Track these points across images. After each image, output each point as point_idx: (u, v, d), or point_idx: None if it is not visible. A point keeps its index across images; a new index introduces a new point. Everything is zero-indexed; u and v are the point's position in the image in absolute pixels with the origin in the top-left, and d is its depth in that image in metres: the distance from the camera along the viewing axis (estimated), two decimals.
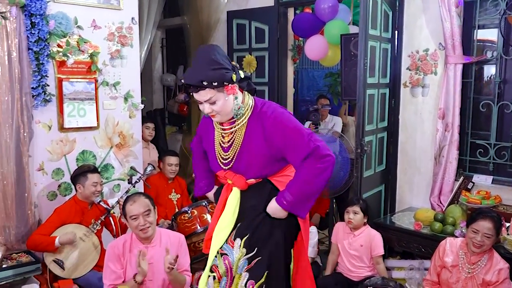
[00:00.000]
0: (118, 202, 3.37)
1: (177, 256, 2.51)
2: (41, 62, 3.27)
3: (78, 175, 3.27)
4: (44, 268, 3.15)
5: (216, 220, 2.20)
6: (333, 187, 3.75)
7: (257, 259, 2.07)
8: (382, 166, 3.94)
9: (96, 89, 3.63)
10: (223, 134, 2.12)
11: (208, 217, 3.65)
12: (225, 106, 1.99)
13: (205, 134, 2.26)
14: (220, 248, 2.11)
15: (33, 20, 3.18)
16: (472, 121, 3.64)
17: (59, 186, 3.53)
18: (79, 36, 3.50)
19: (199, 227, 3.58)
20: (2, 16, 3.08)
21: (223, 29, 5.25)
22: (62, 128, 3.49)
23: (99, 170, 3.47)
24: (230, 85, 1.96)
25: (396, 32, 3.86)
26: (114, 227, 3.39)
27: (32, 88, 3.26)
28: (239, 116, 2.05)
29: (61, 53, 3.41)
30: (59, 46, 3.40)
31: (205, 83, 1.90)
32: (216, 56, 1.93)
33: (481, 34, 3.56)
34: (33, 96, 3.28)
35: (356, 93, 3.48)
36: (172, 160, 4.25)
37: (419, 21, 3.75)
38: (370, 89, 3.55)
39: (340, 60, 4.32)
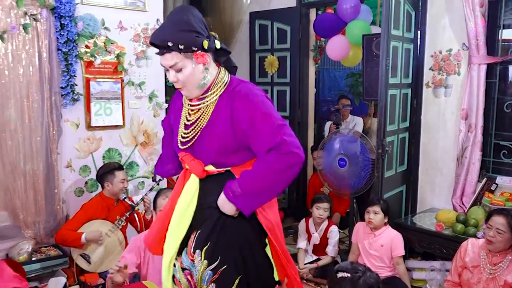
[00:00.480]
0: (142, 199, 3.41)
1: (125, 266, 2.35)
2: (69, 62, 3.34)
3: (106, 173, 3.32)
4: (71, 262, 3.22)
5: (168, 212, 1.89)
6: (354, 187, 3.71)
7: (223, 267, 1.78)
8: (404, 166, 3.88)
9: (122, 88, 3.68)
10: (189, 111, 1.83)
11: None
12: (192, 76, 1.71)
13: (174, 110, 1.97)
14: (176, 259, 1.86)
15: (62, 22, 3.24)
16: (496, 122, 3.55)
17: (86, 182, 3.59)
18: (106, 37, 3.56)
19: None
20: (34, 18, 3.15)
21: (246, 30, 5.26)
22: (89, 127, 3.54)
23: (124, 167, 3.51)
24: (200, 52, 1.68)
25: (419, 32, 3.79)
26: (138, 223, 3.43)
27: (61, 87, 3.33)
28: (207, 94, 1.77)
29: (88, 54, 3.47)
30: (87, 47, 3.46)
31: (170, 44, 1.63)
32: (189, 17, 1.67)
33: (506, 34, 3.47)
34: (62, 95, 3.35)
35: (377, 93, 3.44)
36: None
37: (443, 21, 3.68)
38: (392, 89, 3.50)
39: (361, 60, 4.27)
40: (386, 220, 3.29)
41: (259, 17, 5.08)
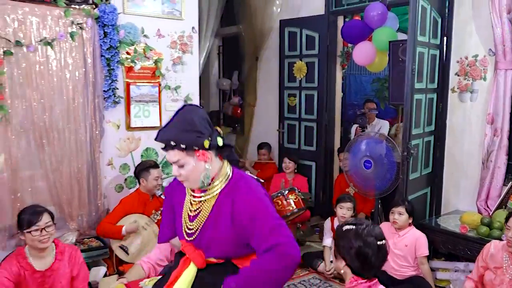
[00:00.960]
0: None
1: None
2: (112, 67, 3.43)
3: (142, 170, 3.39)
4: (111, 252, 3.30)
5: None
6: (379, 188, 3.66)
7: None
8: (428, 169, 3.80)
9: (159, 92, 3.76)
10: (191, 201, 1.81)
11: None
12: (194, 172, 1.69)
13: (178, 194, 1.93)
14: None
15: (105, 30, 3.34)
16: None
17: (125, 179, 3.68)
18: (145, 44, 3.64)
19: None
20: (80, 27, 3.25)
21: (276, 37, 5.27)
22: (129, 127, 3.63)
23: (160, 166, 3.58)
24: (201, 150, 1.67)
25: (445, 38, 3.72)
26: None
27: (104, 91, 3.43)
28: (210, 186, 1.75)
29: (129, 60, 3.56)
30: (127, 53, 3.55)
31: (172, 144, 1.64)
32: (192, 117, 1.67)
33: None
34: (104, 98, 3.45)
35: (403, 98, 3.38)
36: None
37: (469, 27, 3.59)
38: (417, 94, 3.43)
39: (387, 65, 4.21)
40: (410, 221, 3.23)
41: (289, 25, 5.07)
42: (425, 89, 3.55)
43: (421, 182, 3.71)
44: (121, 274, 3.15)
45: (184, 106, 1.76)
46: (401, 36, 4.18)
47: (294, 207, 3.95)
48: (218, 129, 1.78)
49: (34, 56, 3.09)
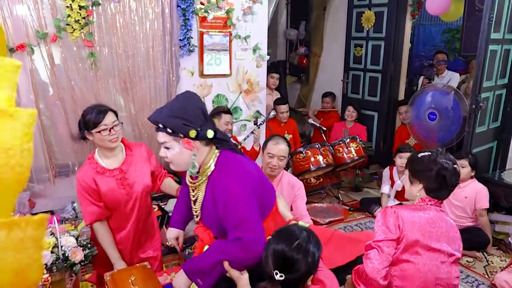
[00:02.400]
0: (253, 131, 3.56)
1: None
2: (187, 17, 3.42)
3: (215, 114, 3.44)
4: None
5: None
6: (442, 140, 3.46)
7: None
8: (497, 123, 3.50)
9: (230, 41, 3.72)
10: (190, 187, 1.79)
11: (320, 158, 3.65)
12: (179, 157, 1.64)
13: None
14: None
15: None
16: None
17: None
18: None
19: (312, 166, 3.61)
20: None
21: None
22: (202, 75, 3.67)
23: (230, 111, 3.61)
24: (186, 138, 1.60)
25: None
26: None
27: (180, 40, 3.45)
28: (200, 173, 1.69)
29: (203, 10, 3.52)
30: (201, 3, 3.51)
31: (160, 126, 1.60)
32: (185, 105, 1.61)
33: None
34: (180, 47, 3.48)
35: (477, 48, 3.07)
36: (283, 108, 4.27)
37: None
38: (493, 45, 3.10)
39: (462, 15, 3.82)
40: (473, 174, 3.05)
41: None
42: (501, 39, 3.19)
43: (488, 136, 3.44)
44: None
45: (185, 92, 1.70)
46: None
47: (355, 154, 3.88)
48: (216, 121, 1.66)
49: (118, 7, 3.16)
